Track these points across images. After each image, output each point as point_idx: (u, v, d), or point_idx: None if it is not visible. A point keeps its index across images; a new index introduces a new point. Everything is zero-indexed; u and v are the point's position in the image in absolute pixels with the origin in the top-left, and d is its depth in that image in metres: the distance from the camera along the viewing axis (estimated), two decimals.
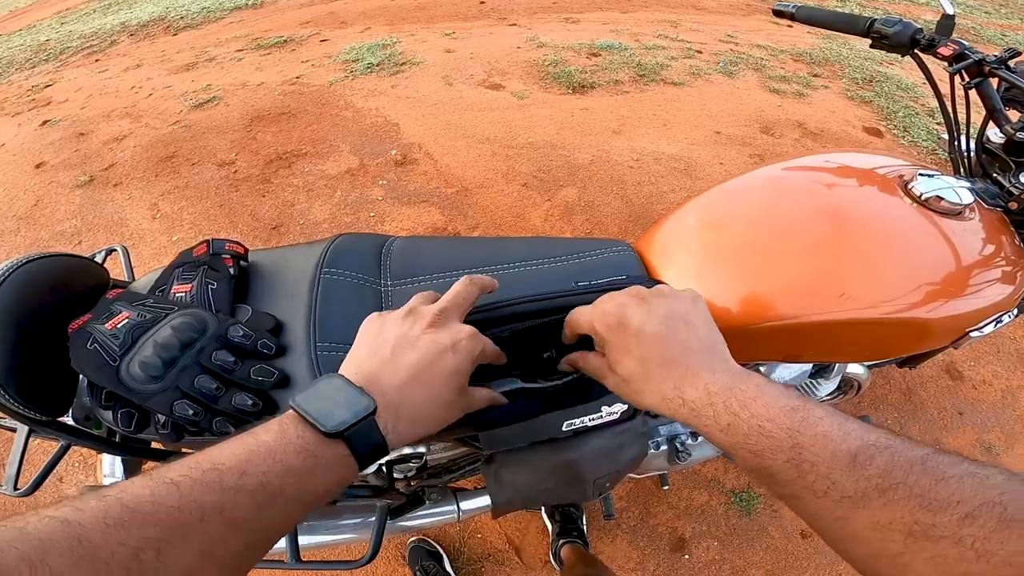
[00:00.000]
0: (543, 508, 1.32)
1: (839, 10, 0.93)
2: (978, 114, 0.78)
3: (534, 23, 3.83)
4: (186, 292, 0.57)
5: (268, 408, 0.50)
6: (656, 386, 0.41)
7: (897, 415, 1.56)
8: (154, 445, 0.62)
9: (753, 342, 0.65)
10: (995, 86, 0.76)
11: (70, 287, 0.56)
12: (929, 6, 4.64)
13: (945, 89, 0.80)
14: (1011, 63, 0.75)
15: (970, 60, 0.75)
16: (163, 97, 3.09)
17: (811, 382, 1.03)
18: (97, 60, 4.03)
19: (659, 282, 0.61)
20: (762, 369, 0.85)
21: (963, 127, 0.82)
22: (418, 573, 1.22)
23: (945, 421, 1.55)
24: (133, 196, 2.32)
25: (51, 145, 2.75)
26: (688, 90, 2.91)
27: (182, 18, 4.70)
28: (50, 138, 2.82)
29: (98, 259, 0.67)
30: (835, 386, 1.05)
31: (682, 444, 0.89)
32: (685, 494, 1.39)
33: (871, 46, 0.85)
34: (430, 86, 2.92)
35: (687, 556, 1.30)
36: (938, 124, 2.70)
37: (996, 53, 0.75)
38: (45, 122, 3.00)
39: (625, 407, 0.64)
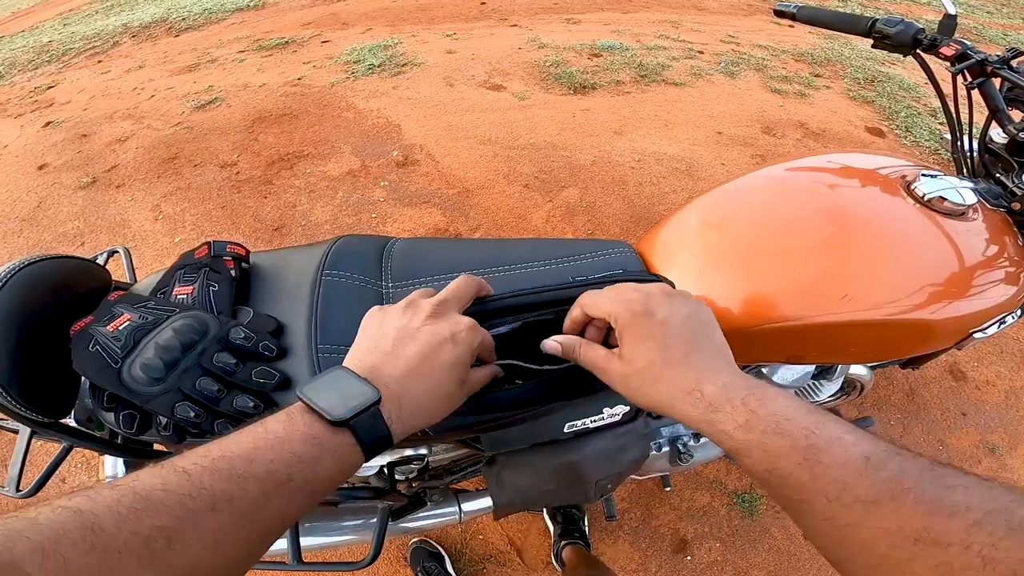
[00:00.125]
0: (545, 509, 1.32)
1: (840, 10, 0.92)
2: (981, 114, 0.78)
3: (535, 24, 3.83)
4: (188, 294, 0.57)
5: (269, 410, 0.50)
6: (675, 377, 0.40)
7: (900, 416, 1.56)
8: (156, 447, 0.62)
9: (756, 343, 0.65)
10: (998, 86, 0.75)
11: (72, 289, 0.56)
12: (930, 6, 4.63)
13: (947, 89, 0.80)
14: (1013, 63, 0.75)
15: (972, 60, 0.75)
16: (165, 98, 3.09)
17: (814, 383, 1.03)
18: (99, 61, 4.04)
19: (659, 277, 0.61)
20: (764, 370, 0.84)
21: (966, 127, 0.81)
22: (420, 574, 1.22)
23: (948, 422, 1.55)
24: (135, 197, 2.33)
25: (54, 146, 2.76)
26: (690, 91, 2.91)
27: (184, 19, 4.71)
28: (53, 139, 2.83)
29: (100, 261, 0.67)
30: (838, 387, 1.04)
31: (684, 446, 0.89)
32: (687, 495, 1.39)
33: (873, 46, 0.85)
34: (431, 87, 2.93)
35: (689, 557, 1.30)
36: (940, 124, 2.70)
37: (998, 53, 0.75)
38: (48, 123, 3.01)
39: (627, 409, 0.63)
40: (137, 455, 0.60)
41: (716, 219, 0.73)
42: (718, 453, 0.96)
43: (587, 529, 1.29)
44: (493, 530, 1.34)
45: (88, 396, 0.52)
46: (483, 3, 4.26)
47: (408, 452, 0.73)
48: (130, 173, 2.48)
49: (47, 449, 1.34)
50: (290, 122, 2.69)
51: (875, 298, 0.61)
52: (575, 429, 0.62)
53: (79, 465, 1.44)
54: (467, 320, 0.45)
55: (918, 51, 0.80)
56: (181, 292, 0.58)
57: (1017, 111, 0.75)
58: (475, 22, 3.92)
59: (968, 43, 0.77)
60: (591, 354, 0.46)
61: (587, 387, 0.57)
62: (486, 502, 0.96)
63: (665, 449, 0.90)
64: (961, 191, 0.67)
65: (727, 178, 0.78)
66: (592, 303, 0.47)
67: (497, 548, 1.31)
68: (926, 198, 0.68)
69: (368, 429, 0.37)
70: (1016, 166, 0.74)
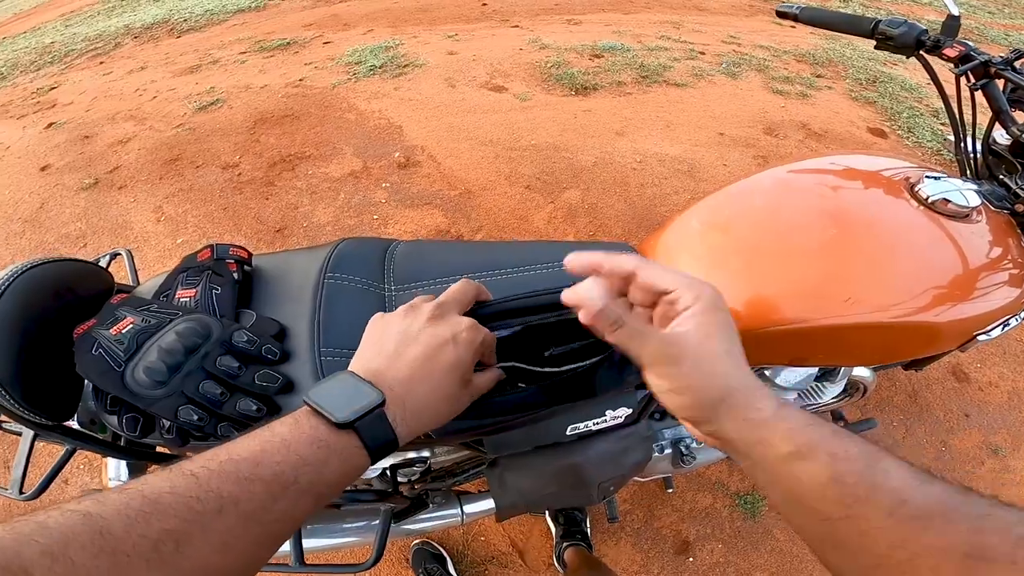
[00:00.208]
0: (547, 511, 1.32)
1: (842, 11, 0.92)
2: (984, 115, 0.78)
3: (536, 25, 3.83)
4: (190, 297, 0.57)
5: (272, 413, 0.50)
6: (732, 366, 0.37)
7: (903, 417, 1.55)
8: (159, 449, 0.62)
9: (759, 346, 0.64)
10: (1001, 87, 0.75)
11: (75, 292, 0.56)
12: (932, 6, 4.62)
13: (951, 90, 0.80)
14: (1017, 64, 0.74)
15: (976, 61, 0.74)
16: (167, 100, 3.10)
17: (817, 385, 1.02)
18: (101, 62, 4.05)
19: None
20: (768, 373, 0.84)
21: (969, 128, 0.81)
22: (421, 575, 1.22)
23: (951, 423, 1.55)
24: (138, 199, 2.34)
25: (56, 148, 2.77)
26: (691, 91, 2.90)
27: (185, 20, 4.72)
28: (55, 140, 2.83)
29: (102, 263, 0.67)
30: (841, 389, 1.04)
31: (687, 447, 0.89)
32: (689, 497, 1.39)
33: (875, 47, 0.84)
34: (433, 88, 2.93)
35: (691, 559, 1.30)
36: (943, 125, 2.69)
37: (1002, 54, 0.75)
38: (50, 124, 3.02)
39: (630, 411, 0.63)
40: (140, 458, 0.60)
41: (719, 221, 0.73)
42: (720, 455, 0.96)
43: (589, 531, 1.29)
44: (495, 532, 1.34)
45: (91, 399, 0.52)
46: (484, 4, 4.26)
47: (411, 454, 0.73)
48: (132, 174, 2.48)
49: (50, 451, 1.34)
50: (292, 123, 2.70)
51: (879, 300, 0.61)
52: (577, 432, 0.62)
53: (81, 467, 1.44)
54: (467, 320, 0.45)
55: (921, 52, 0.80)
56: (184, 295, 0.58)
57: (1020, 112, 0.75)
58: (476, 23, 3.92)
59: (972, 44, 0.76)
60: (631, 327, 0.38)
61: (589, 390, 0.57)
62: (488, 504, 0.96)
63: (668, 451, 0.90)
64: (965, 193, 0.67)
65: (729, 179, 0.78)
66: (652, 272, 0.39)
67: (499, 549, 1.31)
68: (930, 200, 0.67)
69: (373, 431, 0.37)
70: (1020, 168, 0.74)
